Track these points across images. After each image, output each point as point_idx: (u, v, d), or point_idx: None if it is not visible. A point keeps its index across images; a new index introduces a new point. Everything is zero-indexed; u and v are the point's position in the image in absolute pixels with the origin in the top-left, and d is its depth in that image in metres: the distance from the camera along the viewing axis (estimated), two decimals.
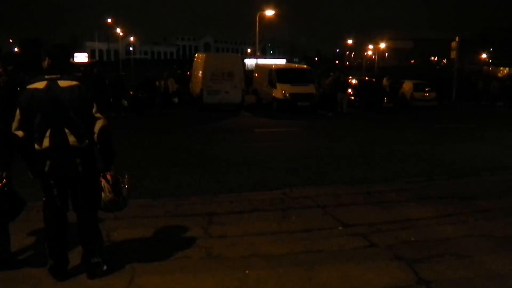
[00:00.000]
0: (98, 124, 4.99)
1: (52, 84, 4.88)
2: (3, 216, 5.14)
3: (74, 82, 4.93)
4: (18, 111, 4.93)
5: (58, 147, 4.89)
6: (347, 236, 6.81)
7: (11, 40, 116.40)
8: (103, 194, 5.14)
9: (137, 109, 24.55)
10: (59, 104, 4.85)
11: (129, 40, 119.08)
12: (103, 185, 5.14)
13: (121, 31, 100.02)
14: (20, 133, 4.95)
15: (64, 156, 4.93)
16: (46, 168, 4.95)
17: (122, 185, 5.30)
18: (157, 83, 28.16)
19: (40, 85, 4.90)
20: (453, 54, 40.51)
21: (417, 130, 21.07)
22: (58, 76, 4.93)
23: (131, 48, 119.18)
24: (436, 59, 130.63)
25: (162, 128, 20.26)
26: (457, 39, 39.49)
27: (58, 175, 5.00)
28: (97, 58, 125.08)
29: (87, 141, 4.96)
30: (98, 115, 5.00)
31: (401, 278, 5.45)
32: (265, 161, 13.09)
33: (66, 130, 4.87)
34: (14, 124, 4.95)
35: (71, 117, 4.86)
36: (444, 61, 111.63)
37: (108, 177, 5.17)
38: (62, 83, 4.88)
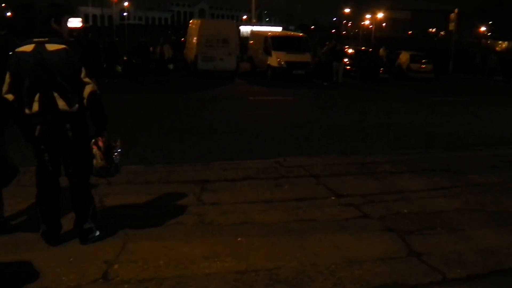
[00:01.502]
0: (87, 90, 4.85)
1: (39, 47, 4.78)
2: None
3: (61, 46, 4.78)
4: (8, 74, 4.87)
5: (48, 112, 4.82)
6: (340, 206, 6.82)
7: (3, 5, 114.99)
8: (94, 161, 5.07)
9: (130, 75, 24.41)
10: (46, 68, 4.75)
11: (123, 6, 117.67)
12: (94, 152, 5.06)
13: None
14: (10, 97, 4.89)
15: (54, 121, 4.87)
16: (36, 133, 4.90)
17: (114, 152, 5.23)
18: (151, 49, 27.93)
19: (28, 48, 4.80)
20: (451, 26, 40.28)
21: (412, 102, 21.09)
22: (46, 39, 4.83)
23: (125, 14, 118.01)
24: (434, 30, 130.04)
25: (155, 94, 20.14)
26: (456, 11, 39.23)
27: (48, 140, 4.95)
28: (90, 23, 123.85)
29: (77, 105, 4.85)
30: (86, 79, 4.85)
31: (393, 249, 5.47)
32: (259, 130, 13.08)
33: (55, 94, 4.78)
34: (4, 88, 4.88)
35: (59, 81, 4.77)
36: (442, 33, 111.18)
37: (100, 143, 5.08)
38: (50, 47, 4.77)
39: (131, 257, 5.03)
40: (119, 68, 24.29)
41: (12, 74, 4.85)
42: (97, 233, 5.31)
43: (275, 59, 27.05)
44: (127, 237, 5.46)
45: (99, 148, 5.07)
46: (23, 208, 6.20)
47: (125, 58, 25.42)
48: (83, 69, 4.83)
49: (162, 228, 5.81)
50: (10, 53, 4.95)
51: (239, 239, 5.55)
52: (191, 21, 31.84)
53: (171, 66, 27.66)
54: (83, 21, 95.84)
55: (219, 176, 8.03)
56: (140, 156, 9.31)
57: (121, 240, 5.40)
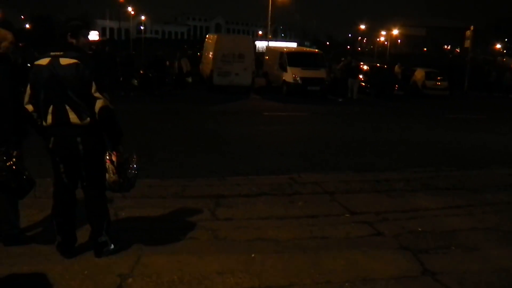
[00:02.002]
0: (98, 104, 4.87)
1: (54, 61, 4.86)
2: (10, 194, 5.16)
3: (73, 60, 4.83)
4: (28, 85, 4.97)
5: (60, 124, 4.89)
6: (354, 223, 6.80)
7: (22, 17, 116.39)
8: (107, 175, 5.08)
9: (147, 88, 24.55)
10: (58, 81, 4.82)
11: (140, 19, 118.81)
12: (107, 166, 5.07)
13: (132, 10, 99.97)
14: (30, 107, 4.99)
15: (66, 134, 4.93)
16: (50, 145, 4.98)
17: (130, 166, 5.23)
18: (167, 62, 28.08)
19: (44, 61, 4.90)
20: (467, 43, 40.08)
21: (427, 119, 20.99)
22: (61, 53, 4.91)
23: (142, 27, 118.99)
24: (449, 47, 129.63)
25: (171, 108, 20.24)
26: (472, 28, 39.10)
27: (61, 152, 5.02)
28: (107, 36, 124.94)
29: (88, 119, 4.89)
30: (97, 94, 4.87)
31: (407, 268, 5.45)
32: (274, 145, 13.10)
33: (67, 107, 4.84)
34: (26, 98, 4.99)
35: (70, 95, 4.82)
36: (458, 50, 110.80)
37: (113, 157, 5.08)
38: (63, 61, 4.83)
39: (145, 271, 5.05)
40: (135, 82, 24.44)
41: (32, 86, 4.95)
42: (112, 246, 5.34)
43: (290, 75, 27.10)
44: (142, 251, 5.49)
45: (112, 162, 5.07)
46: (39, 219, 6.26)
47: (141, 71, 25.58)
48: (93, 84, 4.85)
49: (176, 243, 5.83)
50: (28, 64, 5.05)
51: (253, 255, 5.56)
52: (207, 36, 32.02)
53: (189, 80, 27.77)
54: (100, 34, 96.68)
55: (234, 192, 8.04)
56: (155, 170, 9.35)
57: (135, 254, 5.42)
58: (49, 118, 4.90)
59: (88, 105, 4.87)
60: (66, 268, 5.01)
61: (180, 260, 5.33)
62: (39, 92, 4.90)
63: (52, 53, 4.92)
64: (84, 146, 4.95)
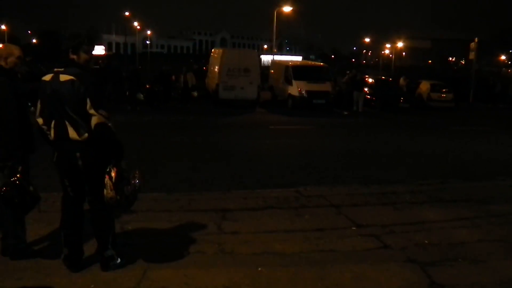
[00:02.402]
0: (93, 121, 4.89)
1: (55, 77, 4.96)
2: (14, 209, 5.17)
3: (69, 77, 4.89)
4: (39, 99, 5.07)
5: (61, 139, 4.97)
6: (360, 236, 6.79)
7: (29, 32, 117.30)
8: (105, 191, 5.03)
9: (152, 103, 24.63)
10: (57, 97, 4.90)
11: (146, 34, 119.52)
12: (105, 182, 5.04)
13: (138, 25, 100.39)
14: (40, 121, 5.10)
15: (66, 149, 5.00)
16: (54, 159, 5.08)
17: (131, 182, 5.19)
18: (173, 77, 28.15)
19: (48, 77, 5.02)
20: (471, 55, 40.10)
21: (433, 132, 20.95)
22: (62, 69, 4.99)
23: (147, 42, 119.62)
24: (454, 59, 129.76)
25: (176, 122, 20.31)
26: (476, 40, 39.12)
27: (63, 167, 5.09)
28: (113, 51, 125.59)
29: (86, 134, 4.92)
30: (92, 111, 4.87)
31: (414, 280, 5.43)
32: (279, 158, 13.11)
33: (66, 123, 4.91)
34: (37, 111, 5.10)
35: (67, 111, 4.88)
36: (462, 61, 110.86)
37: (113, 174, 5.05)
38: (62, 77, 4.92)
39: (152, 285, 5.05)
40: (141, 96, 24.48)
41: (40, 100, 5.05)
42: (118, 260, 5.35)
43: (295, 88, 27.13)
44: (148, 265, 5.49)
45: (110, 178, 5.04)
46: (45, 233, 6.27)
47: (147, 86, 25.67)
48: (88, 101, 4.87)
49: (182, 257, 5.83)
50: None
51: (259, 269, 5.55)
52: (213, 50, 32.12)
53: (195, 94, 27.79)
54: (106, 49, 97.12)
55: (240, 205, 8.04)
56: (161, 184, 9.36)
57: (141, 268, 5.42)
58: (52, 133, 5.00)
59: (85, 121, 4.91)
60: (72, 282, 5.02)
61: (186, 274, 5.33)
62: (45, 107, 5.02)
63: (55, 69, 5.00)
64: (83, 161, 4.99)
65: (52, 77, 4.97)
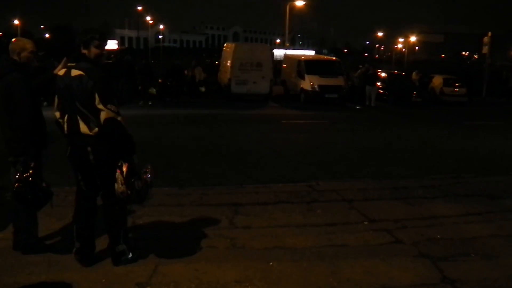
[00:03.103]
0: (102, 116, 4.90)
1: (67, 72, 5.00)
2: (27, 205, 5.19)
3: (79, 72, 4.92)
4: (56, 94, 5.13)
5: (73, 133, 5.01)
6: (372, 231, 6.77)
7: (42, 26, 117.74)
8: (116, 185, 5.05)
9: (165, 97, 24.68)
10: (69, 92, 4.95)
11: (159, 28, 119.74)
12: (116, 176, 5.05)
13: (151, 19, 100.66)
14: (57, 114, 5.16)
15: (78, 143, 5.02)
16: (67, 153, 5.11)
17: (143, 177, 5.18)
18: (185, 71, 28.17)
19: (61, 72, 5.08)
20: (485, 50, 39.75)
21: (445, 126, 20.83)
22: (74, 64, 5.02)
23: (160, 36, 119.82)
24: (467, 54, 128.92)
25: (189, 117, 20.31)
26: (489, 34, 38.78)
27: (75, 161, 5.13)
28: (126, 45, 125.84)
29: (96, 129, 4.94)
30: (100, 106, 4.87)
31: (426, 275, 5.41)
32: (292, 153, 13.09)
33: (78, 117, 4.95)
34: (55, 105, 5.17)
35: (77, 106, 4.93)
36: (476, 56, 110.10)
37: (124, 168, 5.06)
38: (73, 72, 4.95)
39: (163, 279, 5.07)
40: (153, 90, 24.50)
41: (57, 95, 5.11)
42: (130, 255, 5.37)
43: (308, 83, 27.08)
44: (159, 260, 5.51)
45: (121, 172, 5.05)
46: (57, 228, 6.31)
47: (160, 80, 25.70)
48: (96, 96, 4.86)
49: (194, 251, 5.84)
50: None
51: (271, 263, 5.55)
52: (225, 44, 32.08)
53: (202, 89, 27.77)
54: (119, 44, 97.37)
55: (252, 200, 8.05)
56: (173, 178, 9.38)
57: (153, 262, 5.44)
58: (66, 127, 5.06)
59: (95, 116, 4.93)
60: (84, 277, 5.04)
61: (197, 268, 5.34)
62: (60, 101, 5.08)
63: (69, 64, 5.04)
64: (94, 156, 5.01)
65: (65, 72, 5.01)
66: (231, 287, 4.96)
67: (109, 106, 4.89)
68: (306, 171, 10.84)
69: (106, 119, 4.89)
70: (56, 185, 5.48)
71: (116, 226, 5.33)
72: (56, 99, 5.14)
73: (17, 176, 4.98)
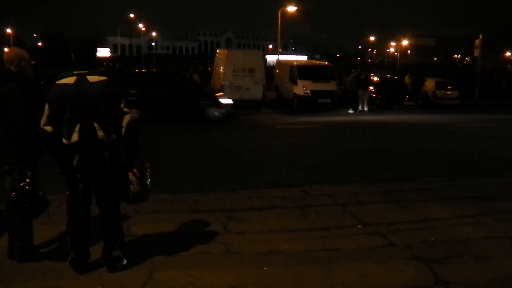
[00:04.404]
0: (126, 119, 5.11)
1: (81, 79, 4.99)
2: (24, 214, 5.22)
3: (103, 77, 5.06)
4: (47, 106, 5.03)
5: (87, 141, 4.99)
6: (366, 235, 6.80)
7: (35, 35, 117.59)
8: (131, 187, 5.25)
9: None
10: (89, 98, 4.95)
11: (151, 35, 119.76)
12: (130, 178, 5.26)
13: (143, 26, 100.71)
14: (49, 128, 5.05)
15: (93, 150, 5.03)
16: (75, 162, 5.02)
17: (147, 177, 5.42)
18: (178, 78, 28.11)
19: (70, 80, 5.01)
20: (476, 52, 39.91)
21: (438, 129, 20.91)
22: (87, 71, 5.05)
23: (153, 43, 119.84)
24: (459, 57, 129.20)
25: (181, 123, 20.31)
26: (480, 36, 38.96)
27: (85, 169, 5.09)
28: (119, 53, 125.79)
29: (114, 135, 5.08)
30: (126, 109, 5.11)
31: (420, 278, 5.44)
32: (285, 158, 13.13)
33: (96, 125, 4.97)
34: (43, 120, 5.05)
35: (101, 111, 4.97)
36: (467, 59, 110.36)
37: (135, 170, 5.31)
38: (92, 78, 5.01)
39: (158, 285, 5.09)
40: None
41: (52, 106, 5.00)
42: (125, 261, 5.38)
43: (301, 88, 27.17)
44: (154, 266, 5.52)
45: (134, 174, 5.27)
46: (52, 236, 6.31)
47: None
48: (122, 100, 5.08)
49: (188, 257, 5.86)
50: (42, 82, 5.15)
51: (265, 268, 5.57)
52: (218, 51, 32.16)
53: None
54: (111, 51, 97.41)
55: (246, 205, 8.07)
56: (167, 185, 9.39)
57: (148, 268, 5.45)
58: (75, 136, 4.97)
59: (114, 121, 5.05)
60: (79, 284, 5.06)
61: (192, 274, 5.35)
62: (63, 111, 4.96)
63: (75, 72, 5.03)
64: (110, 161, 5.08)
65: (77, 80, 4.98)
66: None
67: (131, 109, 5.16)
68: (299, 176, 10.88)
69: (130, 121, 5.14)
70: (49, 193, 5.48)
71: (115, 232, 5.35)
72: (47, 112, 5.02)
73: (14, 185, 5.00)
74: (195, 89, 23.72)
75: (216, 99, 21.83)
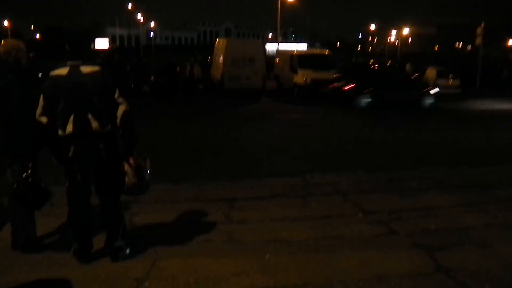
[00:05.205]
0: (121, 109, 5.07)
1: (74, 70, 4.97)
2: (27, 206, 5.23)
3: (96, 68, 5.02)
4: (42, 97, 5.05)
5: (82, 133, 4.95)
6: (367, 223, 6.83)
7: (32, 27, 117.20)
8: (126, 179, 5.19)
9: (158, 95, 24.64)
10: (82, 89, 4.91)
11: (150, 26, 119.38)
12: (126, 170, 5.19)
13: (141, 17, 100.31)
14: (44, 119, 5.06)
15: (88, 142, 5.00)
16: (70, 154, 5.02)
17: (145, 169, 5.35)
18: (178, 68, 28.11)
19: (63, 71, 5.00)
20: (478, 41, 39.64)
21: (439, 118, 20.89)
22: (80, 62, 5.02)
23: (151, 34, 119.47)
24: (460, 45, 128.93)
25: (183, 114, 20.34)
26: (482, 25, 38.73)
27: (81, 160, 5.08)
28: (117, 44, 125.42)
29: (109, 126, 5.03)
30: (120, 100, 5.08)
31: (421, 265, 5.47)
32: (286, 147, 13.13)
33: (89, 116, 4.92)
34: (38, 111, 5.06)
35: (94, 102, 4.92)
36: (469, 47, 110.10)
37: (131, 161, 5.22)
38: (84, 69, 4.98)
39: (161, 274, 5.11)
40: (146, 88, 24.49)
41: (47, 97, 5.01)
42: (128, 251, 5.41)
43: (301, 77, 27.13)
44: (157, 255, 5.55)
45: (130, 165, 5.20)
46: (55, 227, 6.33)
47: (152, 78, 25.66)
48: (116, 90, 5.04)
49: (191, 246, 5.89)
50: (40, 75, 5.13)
51: (267, 256, 5.60)
52: (217, 40, 32.06)
53: (200, 86, 27.78)
54: (110, 42, 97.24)
55: (247, 194, 8.09)
56: (169, 175, 9.39)
57: (151, 257, 5.48)
58: (69, 127, 4.94)
59: (109, 112, 5.01)
60: (83, 273, 5.08)
61: (195, 262, 5.38)
62: (57, 102, 4.95)
63: (69, 63, 5.02)
64: (106, 152, 5.06)
65: (70, 71, 4.98)
66: (228, 279, 5.00)
67: (126, 99, 5.10)
68: (300, 164, 10.88)
69: (124, 111, 5.09)
70: (51, 185, 5.48)
71: (116, 222, 5.37)
72: (42, 103, 5.05)
73: (15, 177, 5.00)
74: (413, 81, 28.10)
75: (428, 89, 25.26)
